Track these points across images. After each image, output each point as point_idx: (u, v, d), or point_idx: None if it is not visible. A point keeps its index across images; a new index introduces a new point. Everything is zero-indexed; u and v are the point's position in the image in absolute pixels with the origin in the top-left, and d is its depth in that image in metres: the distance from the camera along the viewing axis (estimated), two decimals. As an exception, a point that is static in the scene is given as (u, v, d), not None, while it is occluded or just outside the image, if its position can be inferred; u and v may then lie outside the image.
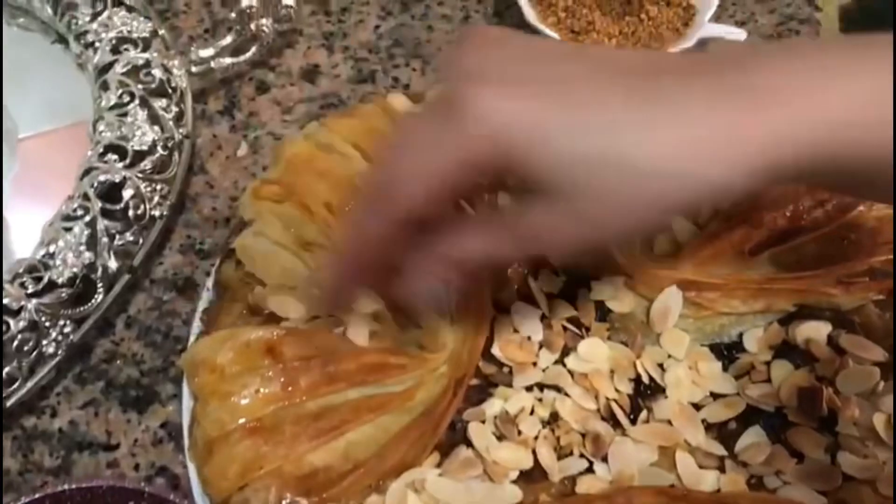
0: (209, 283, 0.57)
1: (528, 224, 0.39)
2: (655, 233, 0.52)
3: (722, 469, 0.50)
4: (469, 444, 0.51)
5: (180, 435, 0.53)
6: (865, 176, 0.36)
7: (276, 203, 0.55)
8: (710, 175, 0.35)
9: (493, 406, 0.52)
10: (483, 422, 0.52)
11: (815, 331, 0.54)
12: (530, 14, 0.71)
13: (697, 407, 0.53)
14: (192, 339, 0.55)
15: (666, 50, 0.70)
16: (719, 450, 0.51)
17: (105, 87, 0.64)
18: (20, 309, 0.54)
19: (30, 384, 0.55)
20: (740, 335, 0.55)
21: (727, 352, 0.55)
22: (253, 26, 0.69)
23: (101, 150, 0.60)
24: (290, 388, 0.49)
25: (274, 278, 0.53)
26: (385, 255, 0.43)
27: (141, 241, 0.59)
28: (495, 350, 0.54)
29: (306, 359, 0.50)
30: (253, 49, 0.71)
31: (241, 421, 0.48)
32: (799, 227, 0.56)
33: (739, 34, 0.70)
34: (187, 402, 0.52)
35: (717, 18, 0.74)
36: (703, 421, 0.52)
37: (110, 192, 0.59)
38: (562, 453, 0.51)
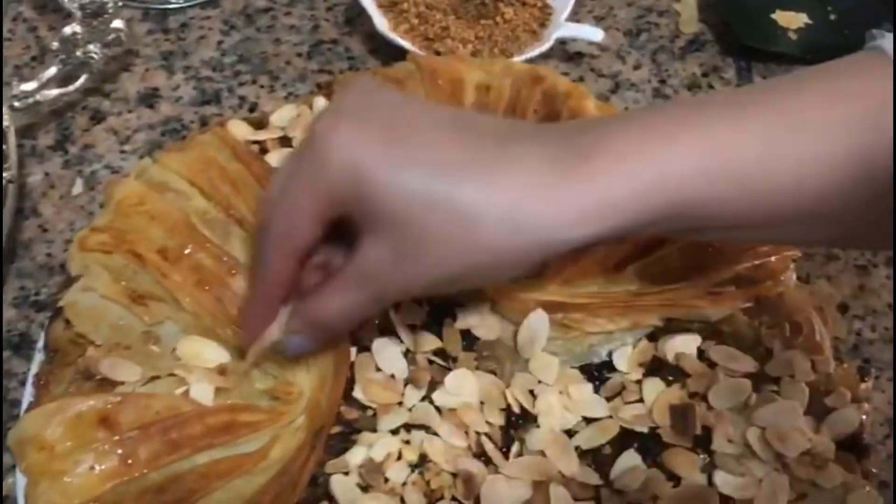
0: (40, 343, 0.52)
1: (367, 265, 0.41)
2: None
3: (597, 499, 0.49)
4: (332, 499, 0.48)
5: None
6: (696, 223, 0.39)
7: (105, 253, 0.50)
8: (542, 228, 0.38)
9: (356, 455, 0.49)
10: (346, 473, 0.49)
11: (684, 345, 0.53)
12: (381, 23, 0.68)
13: (571, 433, 0.51)
14: (23, 408, 0.50)
15: (523, 51, 0.68)
16: (594, 479, 0.49)
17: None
18: None
19: None
20: (610, 354, 0.54)
21: (598, 372, 0.53)
22: (80, 53, 0.64)
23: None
24: (129, 462, 0.45)
25: (105, 338, 0.49)
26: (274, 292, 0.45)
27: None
28: (357, 392, 0.51)
29: (145, 427, 0.46)
30: (83, 77, 0.66)
31: (77, 502, 0.44)
32: (663, 240, 0.54)
33: (596, 34, 0.69)
34: (21, 480, 0.48)
35: (575, 15, 0.73)
36: (577, 448, 0.50)
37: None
38: (433, 497, 0.49)
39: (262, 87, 0.69)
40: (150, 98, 0.68)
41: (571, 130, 0.40)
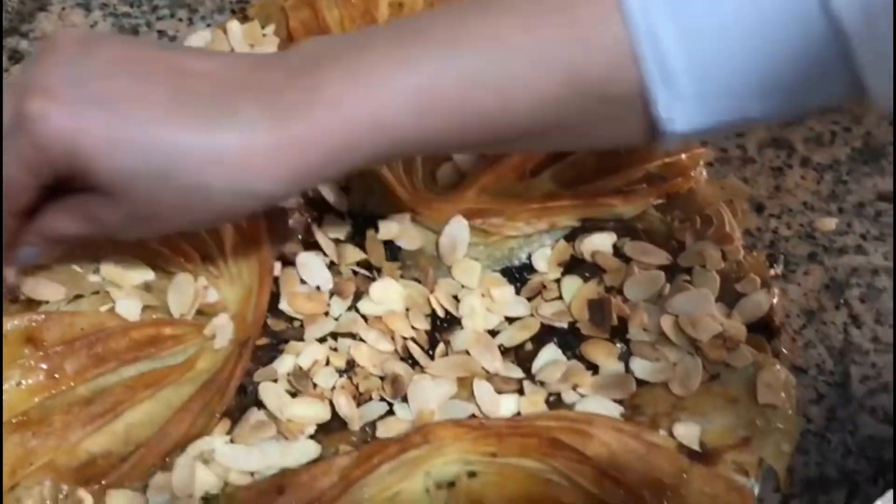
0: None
1: (99, 215, 0.42)
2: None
3: (521, 391, 0.51)
4: (261, 405, 0.49)
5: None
6: (423, 151, 0.46)
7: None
8: (268, 188, 0.40)
9: (284, 363, 0.51)
10: (275, 381, 0.50)
11: (600, 242, 0.55)
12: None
13: (494, 333, 0.53)
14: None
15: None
16: (517, 372, 0.51)
17: None
18: None
19: None
20: (530, 256, 0.55)
21: (518, 274, 0.55)
22: (-8, -9, 0.64)
23: None
24: (55, 376, 0.46)
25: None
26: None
27: None
28: (283, 305, 0.53)
29: (70, 342, 0.47)
30: (-2, 16, 0.65)
31: (5, 417, 0.45)
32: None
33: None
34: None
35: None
36: (500, 346, 0.52)
37: None
38: (361, 400, 0.50)
39: (180, 20, 0.69)
40: (68, 36, 0.68)
41: (291, 73, 0.40)
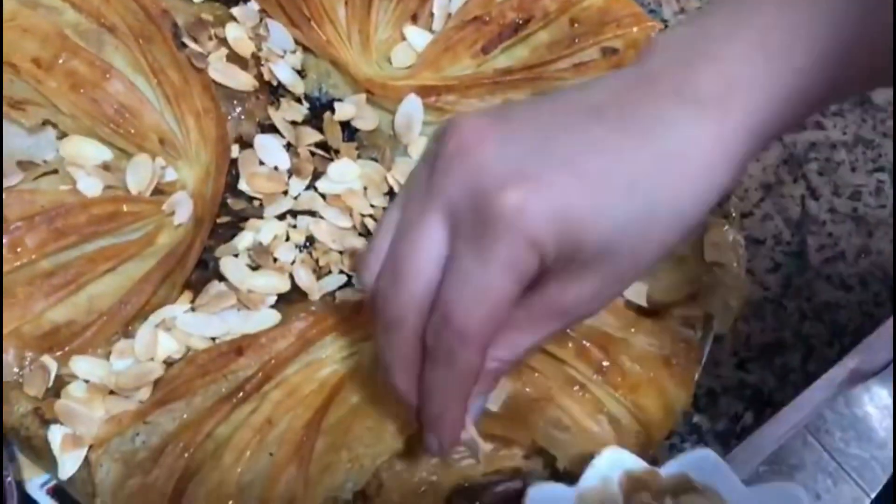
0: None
1: (560, 302, 0.38)
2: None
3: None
4: (222, 278, 0.51)
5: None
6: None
7: (-21, 66, 0.52)
8: (723, 183, 0.36)
9: (244, 239, 0.52)
10: (236, 256, 0.52)
11: (554, 115, 0.56)
12: None
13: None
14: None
15: None
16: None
17: None
18: None
19: None
20: (485, 132, 0.56)
21: (474, 151, 0.56)
22: None
23: None
24: (17, 250, 0.48)
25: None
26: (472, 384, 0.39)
27: None
28: (242, 185, 0.54)
29: (30, 217, 0.48)
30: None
31: (-35, 289, 0.47)
32: (528, 19, 0.57)
33: None
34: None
35: None
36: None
37: None
38: (321, 273, 0.52)
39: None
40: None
41: (669, 75, 0.36)
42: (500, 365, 0.39)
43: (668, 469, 0.42)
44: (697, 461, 0.42)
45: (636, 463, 0.42)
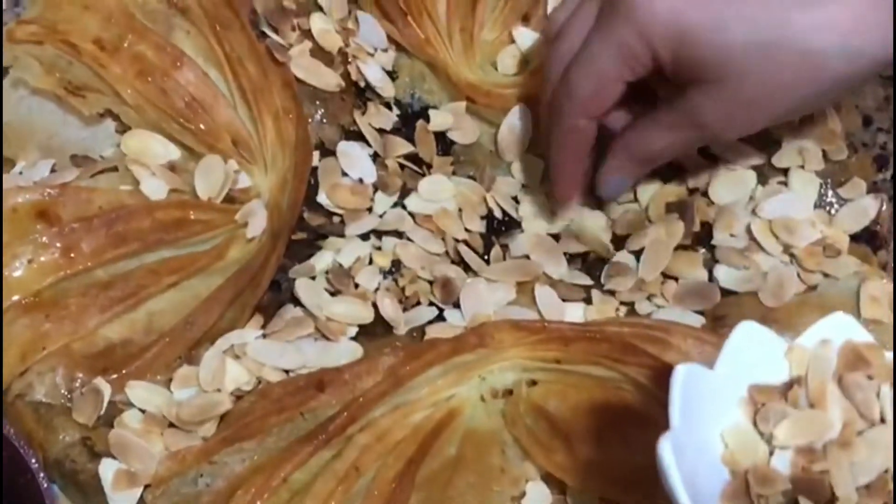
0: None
1: (701, 113, 0.48)
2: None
3: (588, 300, 0.55)
4: (297, 302, 0.54)
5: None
6: None
7: (37, 44, 0.56)
8: (878, 48, 0.45)
9: (323, 260, 0.56)
10: (313, 278, 0.55)
11: (683, 139, 0.59)
12: None
13: (557, 238, 0.57)
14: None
15: None
16: (584, 280, 0.56)
17: None
18: None
19: None
20: (602, 154, 0.60)
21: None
22: None
23: None
24: (71, 255, 0.51)
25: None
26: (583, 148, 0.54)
27: None
28: (321, 198, 0.58)
29: (87, 219, 0.52)
30: None
31: (15, 298, 0.50)
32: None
33: None
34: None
35: None
36: (565, 253, 0.57)
37: None
38: (408, 304, 0.55)
39: None
40: None
41: None
42: (640, 151, 0.52)
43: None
44: None
45: (863, 335, 0.42)
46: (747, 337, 0.41)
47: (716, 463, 0.39)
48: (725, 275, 0.55)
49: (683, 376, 0.39)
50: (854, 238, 0.56)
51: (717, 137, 0.51)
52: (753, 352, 0.41)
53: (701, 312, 0.54)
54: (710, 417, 0.40)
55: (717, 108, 0.48)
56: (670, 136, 0.51)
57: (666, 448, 0.36)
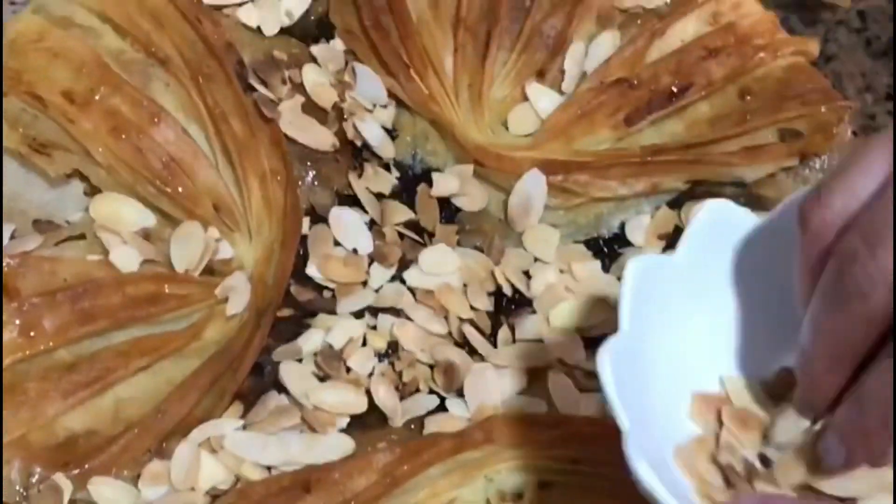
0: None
1: None
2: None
3: (608, 390, 0.52)
4: (282, 388, 0.51)
5: None
6: None
7: (-1, 97, 0.54)
8: None
9: (311, 340, 0.53)
10: (300, 360, 0.52)
11: (714, 212, 0.56)
12: None
13: (574, 319, 0.54)
14: None
15: None
16: (604, 367, 0.53)
17: None
18: None
19: None
20: (622, 225, 0.57)
21: (607, 248, 0.57)
22: None
23: None
24: (31, 334, 0.48)
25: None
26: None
27: None
28: (311, 270, 0.55)
29: (51, 294, 0.49)
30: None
31: (-36, 378, 0.47)
32: (687, 85, 0.58)
33: None
34: None
35: None
36: (583, 337, 0.53)
37: None
38: (405, 391, 0.52)
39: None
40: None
41: None
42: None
43: None
44: None
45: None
46: (714, 217, 0.40)
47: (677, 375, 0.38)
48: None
49: (638, 271, 0.36)
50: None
51: None
52: (720, 232, 0.40)
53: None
54: (671, 317, 0.38)
55: None
56: None
57: (604, 360, 0.35)
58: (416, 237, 0.57)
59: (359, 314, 0.54)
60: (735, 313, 0.43)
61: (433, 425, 0.51)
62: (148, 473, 0.48)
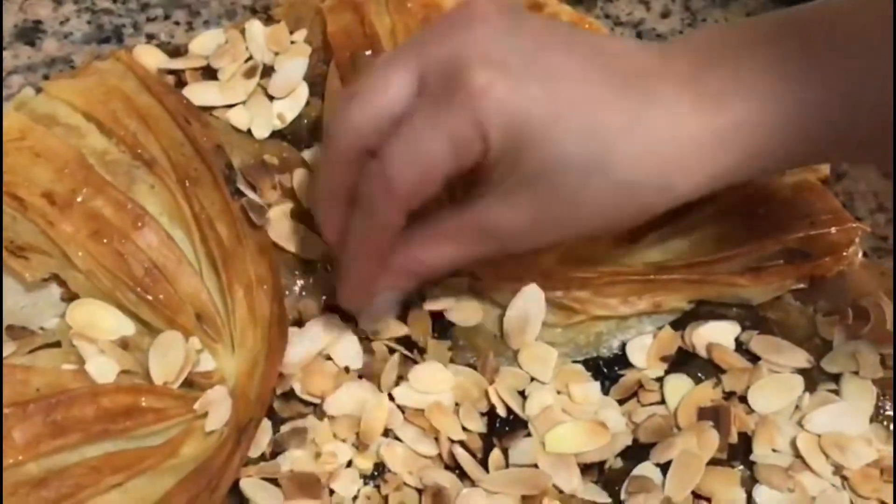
0: None
1: (492, 220, 0.50)
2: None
3: (606, 521, 0.53)
4: (262, 510, 0.51)
5: None
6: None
7: (-25, 197, 0.55)
8: (691, 185, 0.49)
9: (290, 458, 0.53)
10: (277, 485, 0.52)
11: (719, 333, 0.58)
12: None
13: (571, 443, 0.55)
14: None
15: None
16: (601, 496, 0.54)
17: None
18: None
19: None
20: (623, 346, 0.58)
21: (607, 369, 0.58)
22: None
23: None
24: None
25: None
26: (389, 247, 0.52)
27: None
28: (296, 385, 0.56)
29: (22, 404, 0.50)
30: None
31: (-72, 494, 0.48)
32: (690, 204, 0.59)
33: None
34: None
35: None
36: (579, 461, 0.55)
37: None
38: (391, 517, 0.53)
39: (177, 23, 0.75)
40: (30, 33, 0.73)
41: (699, 61, 0.49)
42: (418, 267, 0.53)
43: None
44: None
45: None
46: None
47: None
48: (767, 497, 0.53)
49: None
50: (916, 456, 0.55)
51: (503, 249, 0.51)
52: None
53: (740, 541, 0.52)
54: None
55: (516, 217, 0.49)
56: (452, 250, 0.51)
57: None
58: (407, 352, 0.58)
59: (344, 433, 0.55)
60: None
61: (421, 556, 0.51)
62: None
